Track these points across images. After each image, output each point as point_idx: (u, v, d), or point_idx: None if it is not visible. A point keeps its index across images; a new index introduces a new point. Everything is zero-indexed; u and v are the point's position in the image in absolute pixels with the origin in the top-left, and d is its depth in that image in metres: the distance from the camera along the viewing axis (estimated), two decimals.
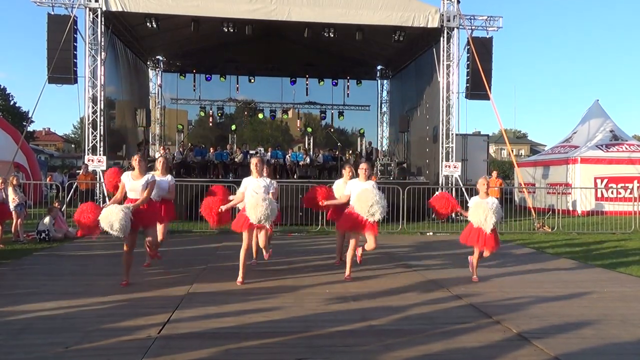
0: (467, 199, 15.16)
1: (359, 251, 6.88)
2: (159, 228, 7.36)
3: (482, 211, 6.45)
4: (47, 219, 10.26)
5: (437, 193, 7.42)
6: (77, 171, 17.51)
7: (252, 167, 6.55)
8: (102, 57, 14.50)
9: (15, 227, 10.11)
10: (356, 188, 6.66)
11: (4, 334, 4.36)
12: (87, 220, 5.92)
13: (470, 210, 6.66)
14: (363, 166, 6.83)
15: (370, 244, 6.63)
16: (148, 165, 6.94)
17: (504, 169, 32.43)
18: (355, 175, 7.30)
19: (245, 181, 6.58)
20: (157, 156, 16.89)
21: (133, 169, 6.27)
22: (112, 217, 5.65)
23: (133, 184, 6.14)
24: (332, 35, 15.43)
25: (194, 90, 22.67)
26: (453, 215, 15.09)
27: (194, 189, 12.79)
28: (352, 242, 6.76)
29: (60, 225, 10.66)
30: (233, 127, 23.20)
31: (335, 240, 8.15)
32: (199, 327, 4.58)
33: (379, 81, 24.18)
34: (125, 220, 5.68)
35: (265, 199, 6.17)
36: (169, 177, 7.55)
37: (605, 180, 17.43)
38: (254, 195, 6.26)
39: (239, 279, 6.40)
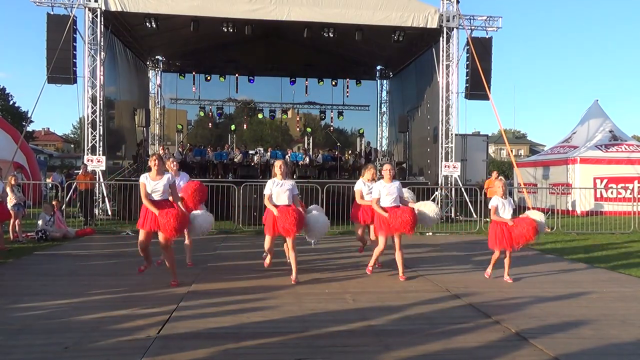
0: (467, 199, 15.09)
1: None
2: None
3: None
4: (41, 220, 10.27)
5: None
6: (76, 171, 17.48)
7: (277, 169, 6.57)
8: (102, 57, 14.48)
9: (13, 227, 10.11)
10: (384, 190, 6.73)
11: (3, 334, 4.35)
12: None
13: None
14: (387, 167, 6.89)
15: (398, 246, 6.82)
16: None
17: (503, 169, 32.45)
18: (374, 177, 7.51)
19: (270, 184, 6.57)
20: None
21: (150, 169, 6.20)
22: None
23: (153, 185, 6.05)
24: (332, 35, 15.43)
25: (194, 90, 22.65)
26: (453, 216, 15.20)
27: None
28: (382, 244, 6.80)
29: (60, 225, 10.66)
30: (232, 127, 23.20)
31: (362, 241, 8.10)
32: (198, 327, 4.58)
33: (378, 81, 24.17)
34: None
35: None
36: (182, 175, 7.61)
37: (605, 181, 17.44)
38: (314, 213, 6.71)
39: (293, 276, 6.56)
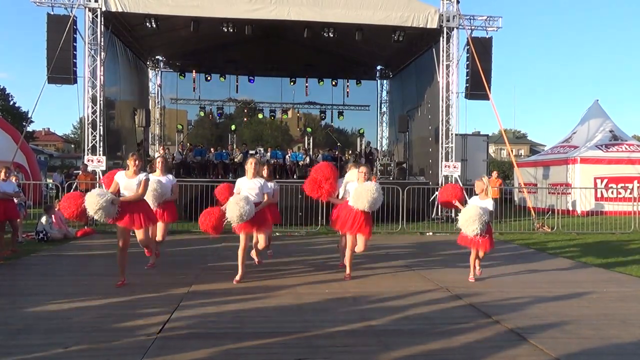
0: (467, 199, 15.19)
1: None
2: (160, 227, 7.36)
3: (467, 217, 6.47)
4: (43, 219, 10.24)
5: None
6: (76, 171, 17.48)
7: (249, 166, 6.55)
8: (102, 57, 14.48)
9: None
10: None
11: (3, 334, 4.36)
12: (72, 206, 5.96)
13: (460, 213, 6.69)
14: (363, 169, 6.80)
15: (359, 247, 6.75)
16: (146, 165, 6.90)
17: (503, 169, 32.42)
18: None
19: (239, 182, 6.58)
20: (156, 156, 16.91)
21: (128, 168, 6.24)
22: (92, 201, 5.69)
23: (127, 182, 6.12)
24: (332, 35, 15.42)
25: (194, 90, 22.64)
26: (453, 216, 15.20)
27: (193, 189, 12.78)
28: (349, 242, 6.78)
29: (60, 225, 10.64)
30: (233, 127, 23.20)
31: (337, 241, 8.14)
32: (199, 327, 4.58)
33: (378, 81, 24.15)
34: (106, 203, 5.71)
35: (243, 199, 6.19)
36: (170, 176, 7.52)
37: (605, 181, 17.43)
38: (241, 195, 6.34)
39: (237, 277, 6.44)
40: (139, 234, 6.32)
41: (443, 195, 7.27)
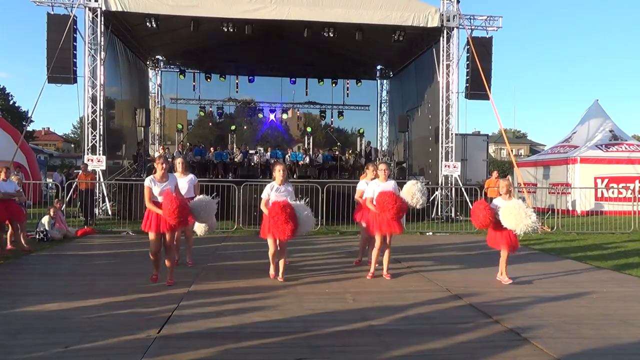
0: (467, 198, 15.12)
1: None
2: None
3: (517, 213, 6.38)
4: (45, 219, 10.24)
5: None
6: (76, 171, 17.47)
7: (277, 173, 6.53)
8: (102, 56, 14.48)
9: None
10: (379, 189, 6.72)
11: (3, 333, 4.35)
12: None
13: (503, 215, 6.52)
14: (382, 167, 6.88)
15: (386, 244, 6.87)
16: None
17: (503, 169, 32.44)
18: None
19: (270, 188, 6.51)
20: (156, 155, 16.86)
21: (156, 171, 6.20)
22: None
23: (161, 187, 6.08)
24: (332, 35, 15.43)
25: (194, 90, 22.66)
26: (453, 215, 15.21)
27: None
28: (377, 242, 6.82)
29: (60, 225, 10.64)
30: (232, 127, 23.21)
31: (357, 239, 8.14)
32: (198, 327, 4.58)
33: (378, 81, 24.17)
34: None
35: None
36: (191, 176, 7.61)
37: (605, 180, 17.44)
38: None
39: (277, 274, 6.61)
40: (166, 236, 6.27)
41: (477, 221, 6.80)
